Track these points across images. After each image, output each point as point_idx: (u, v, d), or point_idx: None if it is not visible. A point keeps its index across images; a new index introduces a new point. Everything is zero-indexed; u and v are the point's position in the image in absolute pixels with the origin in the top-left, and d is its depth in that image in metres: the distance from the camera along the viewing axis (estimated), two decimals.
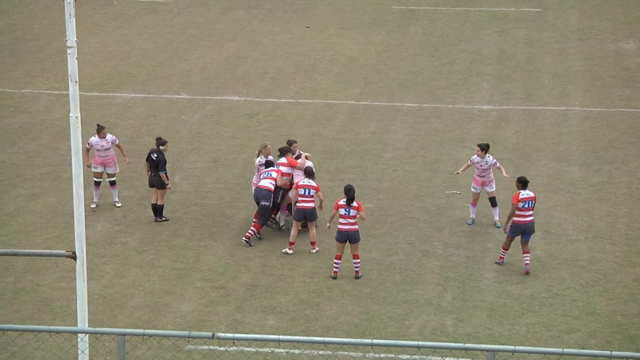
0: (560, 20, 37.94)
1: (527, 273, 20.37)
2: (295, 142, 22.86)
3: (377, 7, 39.99)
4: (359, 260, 20.38)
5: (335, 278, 20.29)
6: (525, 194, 20.20)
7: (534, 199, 20.28)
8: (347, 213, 20.17)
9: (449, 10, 39.39)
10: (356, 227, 20.23)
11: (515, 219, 20.25)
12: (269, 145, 22.62)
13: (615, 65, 33.12)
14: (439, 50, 34.85)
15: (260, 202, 21.82)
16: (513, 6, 39.73)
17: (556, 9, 39.29)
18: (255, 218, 22.17)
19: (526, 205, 20.15)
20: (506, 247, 20.69)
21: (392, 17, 38.63)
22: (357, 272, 20.35)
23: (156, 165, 22.53)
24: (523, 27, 37.32)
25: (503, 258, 20.76)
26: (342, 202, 20.26)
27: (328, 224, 20.87)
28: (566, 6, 39.64)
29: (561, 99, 30.34)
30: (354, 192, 20.24)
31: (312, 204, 21.34)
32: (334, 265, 20.38)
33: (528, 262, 20.38)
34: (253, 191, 22.18)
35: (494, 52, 34.65)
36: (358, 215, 20.27)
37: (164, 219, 22.83)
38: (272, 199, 21.73)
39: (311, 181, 21.42)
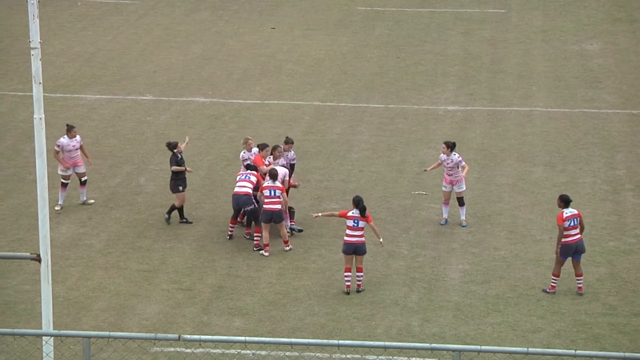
0: (524, 22, 38.16)
1: (580, 293, 19.84)
2: (289, 143, 22.84)
3: (343, 8, 40.03)
4: (362, 274, 20.00)
5: (348, 293, 19.80)
6: (569, 211, 19.64)
7: (578, 215, 19.71)
8: (355, 225, 19.78)
9: (414, 12, 39.51)
10: (363, 239, 19.81)
11: (563, 240, 19.65)
12: (250, 141, 22.49)
13: (578, 66, 33.36)
14: (404, 51, 34.95)
15: (244, 209, 21.70)
16: (477, 7, 39.92)
17: (520, 10, 39.51)
18: (231, 223, 21.94)
19: (572, 224, 19.61)
20: (557, 274, 19.78)
21: (357, 18, 38.69)
22: (359, 285, 19.96)
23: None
24: (487, 28, 37.50)
25: (554, 287, 19.78)
26: (351, 213, 19.80)
27: (319, 214, 20.74)
28: (530, 7, 39.88)
29: (525, 100, 30.52)
30: (364, 202, 19.82)
31: (278, 206, 21.28)
32: (345, 279, 19.90)
33: (581, 285, 19.83)
34: (232, 195, 21.95)
35: (458, 53, 34.79)
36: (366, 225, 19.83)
37: (184, 220, 22.62)
38: (253, 202, 21.61)
39: (276, 182, 21.39)
